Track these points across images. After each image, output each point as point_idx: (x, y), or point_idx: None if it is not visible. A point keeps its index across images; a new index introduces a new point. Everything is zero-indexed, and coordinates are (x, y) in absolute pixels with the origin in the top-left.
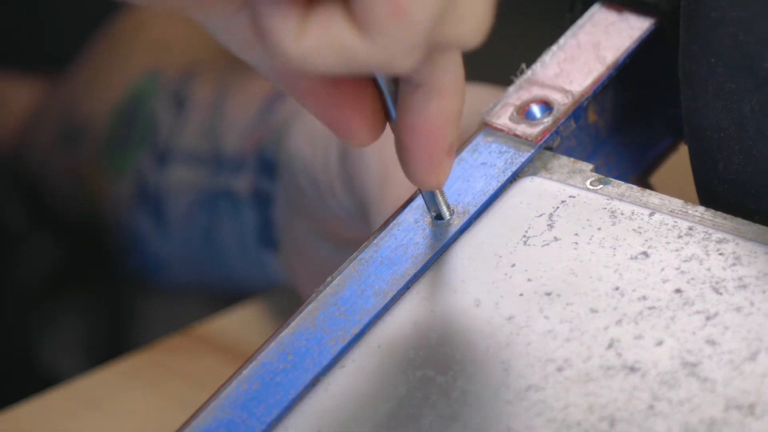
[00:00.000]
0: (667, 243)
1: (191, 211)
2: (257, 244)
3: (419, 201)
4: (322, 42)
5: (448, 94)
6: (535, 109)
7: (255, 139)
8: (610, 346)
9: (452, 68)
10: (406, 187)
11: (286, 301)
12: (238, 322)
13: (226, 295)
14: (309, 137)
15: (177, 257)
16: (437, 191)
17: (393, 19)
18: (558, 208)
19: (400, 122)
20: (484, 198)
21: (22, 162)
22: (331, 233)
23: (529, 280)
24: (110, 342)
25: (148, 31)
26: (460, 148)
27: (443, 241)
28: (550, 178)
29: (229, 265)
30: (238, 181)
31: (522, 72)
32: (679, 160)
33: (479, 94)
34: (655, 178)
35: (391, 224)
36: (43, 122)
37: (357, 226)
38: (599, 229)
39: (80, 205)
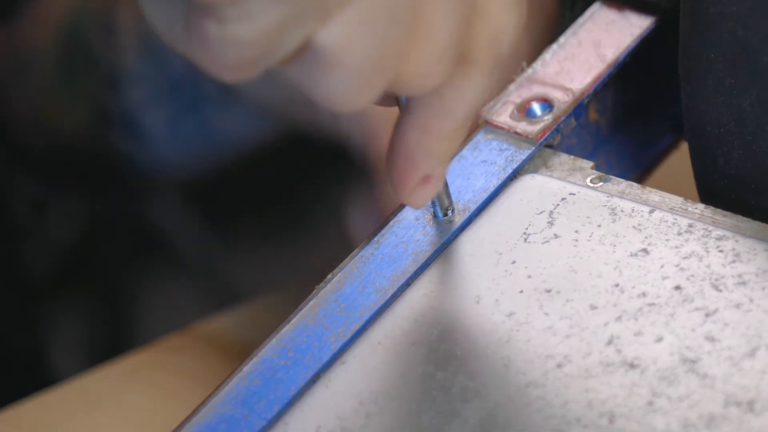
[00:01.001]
0: (667, 240)
1: (162, 102)
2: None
3: None
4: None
5: (434, 134)
6: (536, 107)
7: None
8: (609, 342)
9: (444, 113)
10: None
11: (285, 301)
12: (238, 322)
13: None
14: None
15: (170, 150)
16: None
17: None
18: (558, 205)
19: (392, 132)
20: (485, 195)
21: None
22: None
23: (529, 276)
24: (110, 342)
25: None
26: (460, 146)
27: (444, 239)
28: (550, 176)
29: (221, 113)
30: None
31: (522, 70)
32: (680, 158)
33: None
34: (656, 176)
35: (392, 221)
36: None
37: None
38: (599, 226)
39: (44, 131)
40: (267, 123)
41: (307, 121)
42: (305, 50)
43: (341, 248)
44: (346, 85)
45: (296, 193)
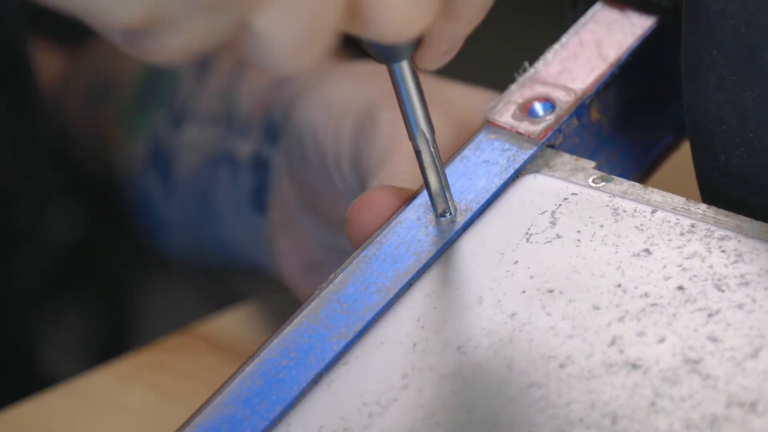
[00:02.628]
0: (670, 240)
1: (194, 172)
2: (250, 207)
3: (422, 198)
4: None
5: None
6: (538, 107)
7: (264, 105)
8: (612, 343)
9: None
10: (407, 167)
11: (285, 301)
12: (238, 322)
13: (218, 270)
14: (324, 107)
15: (176, 220)
16: (442, 189)
17: None
18: (560, 205)
19: None
20: (487, 196)
21: (53, 120)
22: (322, 207)
23: (531, 277)
24: (110, 342)
25: None
26: (462, 146)
27: (446, 239)
28: (552, 176)
29: (222, 229)
30: (242, 144)
31: (525, 70)
32: (682, 158)
33: (479, 97)
34: (658, 176)
35: (394, 221)
36: (73, 82)
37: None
38: (601, 226)
39: (99, 163)
40: None
41: None
42: (244, 33)
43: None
44: (286, 57)
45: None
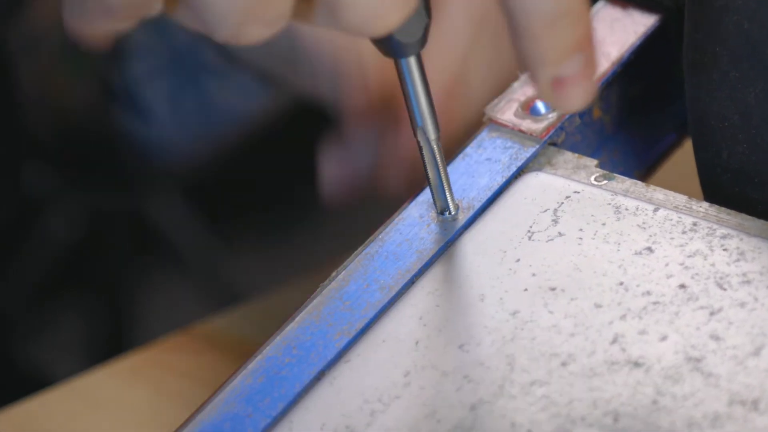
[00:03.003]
0: (672, 238)
1: (165, 91)
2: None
3: (424, 196)
4: None
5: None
6: (540, 105)
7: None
8: (614, 341)
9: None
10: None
11: (285, 301)
12: (238, 322)
13: (229, 138)
14: None
15: (168, 128)
16: (443, 187)
17: None
18: (562, 203)
19: None
20: (489, 193)
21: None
22: None
23: (533, 275)
24: (110, 342)
25: None
26: (464, 144)
27: (448, 237)
28: (554, 174)
29: (222, 84)
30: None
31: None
32: (684, 156)
33: None
34: (660, 174)
35: (396, 219)
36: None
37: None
38: (604, 224)
39: (49, 112)
40: (267, 94)
41: (301, 87)
42: None
43: (342, 246)
44: (226, 22)
45: (296, 190)
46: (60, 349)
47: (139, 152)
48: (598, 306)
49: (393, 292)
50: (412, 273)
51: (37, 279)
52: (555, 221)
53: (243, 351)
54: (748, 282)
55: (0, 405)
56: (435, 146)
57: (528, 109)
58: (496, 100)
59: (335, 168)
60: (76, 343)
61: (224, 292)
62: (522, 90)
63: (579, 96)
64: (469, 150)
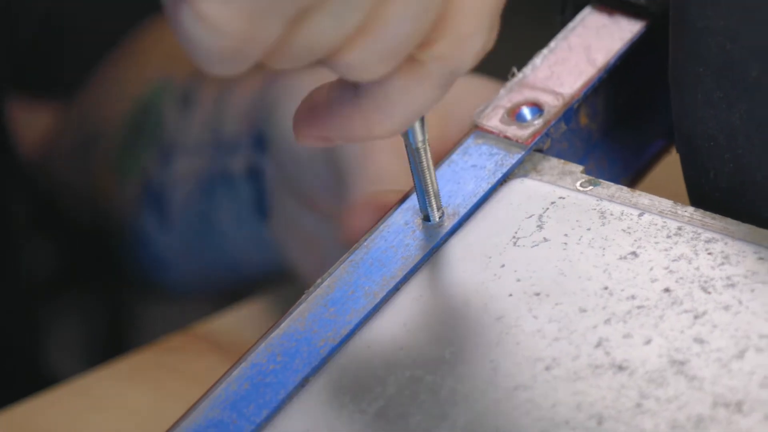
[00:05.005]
0: (656, 243)
1: (191, 199)
2: (253, 216)
3: (409, 203)
4: None
5: (368, 127)
6: (526, 112)
7: (249, 118)
8: (598, 345)
9: (384, 108)
10: (385, 161)
11: (285, 300)
12: (239, 322)
13: (227, 289)
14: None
15: (178, 251)
16: (429, 193)
17: None
18: (548, 209)
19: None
20: (475, 200)
21: (42, 171)
22: (319, 204)
23: (518, 280)
24: (110, 342)
25: (161, 45)
26: (450, 150)
27: (433, 243)
28: (540, 180)
29: (228, 247)
30: (234, 161)
31: (513, 76)
32: (670, 162)
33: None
34: (645, 179)
35: (382, 226)
36: (61, 134)
37: (335, 201)
38: (589, 229)
39: (92, 209)
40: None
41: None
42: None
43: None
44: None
45: None
46: (60, 349)
47: (145, 267)
48: (582, 310)
49: (378, 299)
50: (397, 279)
51: (37, 279)
52: (540, 227)
53: (242, 351)
54: (732, 285)
55: (0, 405)
56: (422, 153)
57: (514, 115)
58: (482, 107)
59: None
60: (76, 343)
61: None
62: (508, 97)
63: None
64: (454, 156)
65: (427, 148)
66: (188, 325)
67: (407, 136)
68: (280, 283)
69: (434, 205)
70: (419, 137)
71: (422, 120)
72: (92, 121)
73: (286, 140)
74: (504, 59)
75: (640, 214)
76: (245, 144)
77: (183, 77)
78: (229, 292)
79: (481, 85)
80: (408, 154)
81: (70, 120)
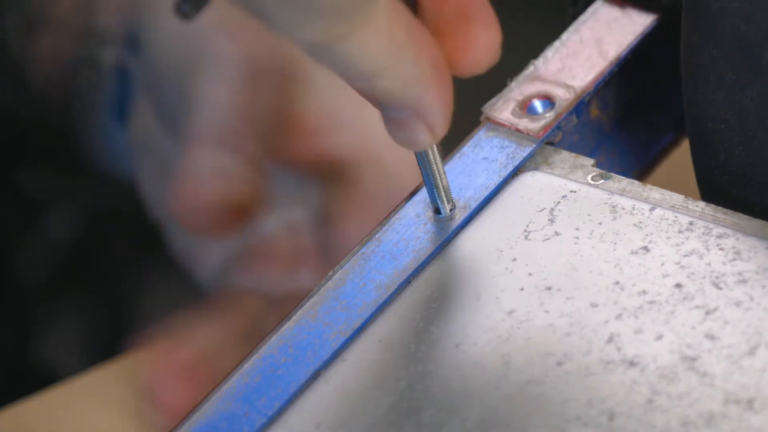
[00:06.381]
0: (668, 238)
1: (54, 77)
2: (113, 116)
3: (421, 195)
4: None
5: None
6: (537, 104)
7: (126, 12)
8: (609, 340)
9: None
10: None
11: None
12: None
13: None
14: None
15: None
16: (439, 187)
17: None
18: (559, 203)
19: None
20: (486, 193)
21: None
22: (178, 129)
23: (529, 274)
24: (110, 342)
25: None
26: (461, 143)
27: (444, 236)
28: (551, 173)
29: (88, 133)
30: (104, 53)
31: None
32: (681, 156)
33: None
34: (656, 174)
35: (393, 219)
36: None
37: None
38: (600, 223)
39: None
40: None
41: None
42: None
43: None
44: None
45: None
46: (60, 348)
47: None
48: (593, 305)
49: (389, 292)
50: (409, 272)
51: (37, 279)
52: (551, 221)
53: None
54: (743, 281)
55: (1, 402)
56: (432, 145)
57: (525, 108)
58: (493, 99)
59: None
60: (76, 342)
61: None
62: (519, 89)
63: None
64: (466, 149)
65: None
66: None
67: None
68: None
69: (444, 199)
70: None
71: None
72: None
73: (161, 51)
74: (515, 51)
75: (652, 209)
76: (117, 38)
77: None
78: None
79: None
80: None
81: None
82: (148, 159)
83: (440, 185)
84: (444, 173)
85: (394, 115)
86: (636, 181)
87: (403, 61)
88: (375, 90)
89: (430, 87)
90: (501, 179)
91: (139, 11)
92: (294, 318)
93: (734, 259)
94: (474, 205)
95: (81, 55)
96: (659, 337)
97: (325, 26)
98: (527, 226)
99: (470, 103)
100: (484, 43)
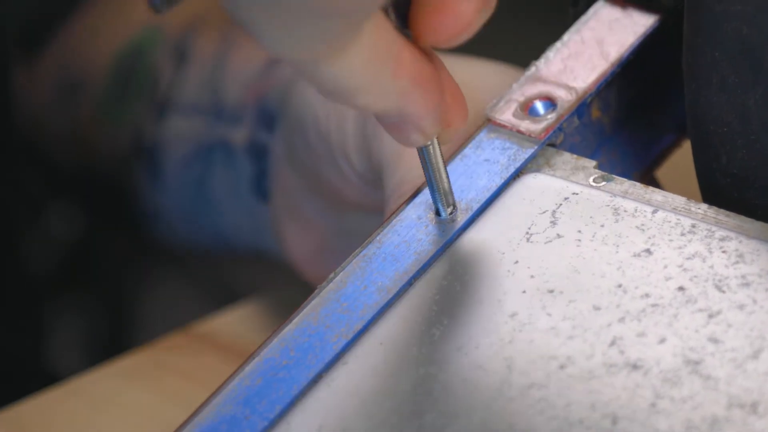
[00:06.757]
0: (670, 240)
1: (185, 162)
2: (250, 194)
3: (422, 197)
4: None
5: None
6: (539, 106)
7: (256, 91)
8: (612, 343)
9: None
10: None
11: (285, 300)
12: (238, 321)
13: (220, 254)
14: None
15: (171, 210)
16: (441, 189)
17: None
18: (561, 205)
19: None
20: (487, 195)
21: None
22: (328, 191)
23: (531, 277)
24: (110, 342)
25: None
26: (463, 145)
27: (446, 238)
28: (553, 175)
29: (221, 218)
30: (236, 132)
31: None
32: (682, 158)
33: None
34: (659, 175)
35: (395, 221)
36: (42, 75)
37: (364, 190)
38: (602, 226)
39: (78, 158)
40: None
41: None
42: None
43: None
44: None
45: None
46: (60, 348)
47: (143, 216)
48: (596, 308)
49: (391, 294)
50: (410, 275)
51: (37, 279)
52: (553, 223)
53: (243, 351)
54: (747, 284)
55: (1, 403)
56: (434, 147)
57: (527, 109)
58: (495, 101)
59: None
60: (76, 342)
61: (224, 291)
62: (521, 90)
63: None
64: (467, 151)
65: (436, 143)
66: (188, 324)
67: None
68: (270, 265)
69: (446, 201)
70: None
71: None
72: (77, 63)
73: (312, 120)
74: (516, 52)
75: (654, 211)
76: (249, 117)
77: (175, 25)
78: (218, 263)
79: (499, 70)
80: (419, 151)
81: (52, 58)
82: (295, 225)
83: (442, 187)
84: (446, 175)
85: (383, 120)
86: (638, 184)
87: (381, 79)
88: (356, 106)
89: (411, 100)
90: (503, 181)
91: (273, 88)
92: (295, 320)
93: (737, 262)
94: (476, 207)
95: (213, 136)
96: (662, 341)
97: (306, 47)
98: (529, 229)
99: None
100: (463, 12)
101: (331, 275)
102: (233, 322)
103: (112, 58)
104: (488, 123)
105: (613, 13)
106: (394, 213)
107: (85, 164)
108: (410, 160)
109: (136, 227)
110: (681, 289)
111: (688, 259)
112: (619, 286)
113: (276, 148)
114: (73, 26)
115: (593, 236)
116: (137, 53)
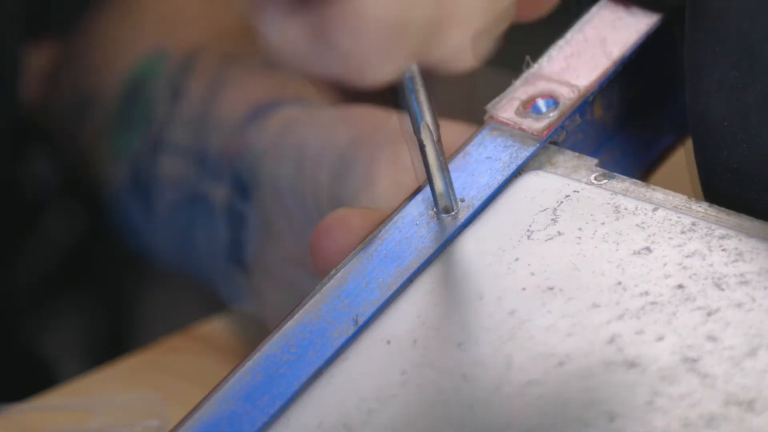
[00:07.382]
0: (670, 238)
1: (174, 206)
2: (227, 260)
3: (424, 194)
4: None
5: None
6: (541, 104)
7: (234, 148)
8: (611, 341)
9: None
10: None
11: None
12: (238, 322)
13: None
14: (298, 160)
15: (159, 244)
16: (441, 186)
17: None
18: (562, 202)
19: None
20: (489, 192)
21: (45, 121)
22: (304, 263)
23: (532, 274)
24: (110, 342)
25: (158, 6)
26: (465, 142)
27: (447, 235)
28: (554, 173)
29: (203, 269)
30: (216, 188)
31: (527, 66)
32: (684, 156)
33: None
34: (659, 174)
35: (396, 217)
36: (58, 87)
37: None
38: (603, 224)
39: (84, 176)
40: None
41: None
42: None
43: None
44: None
45: None
46: (60, 349)
47: (129, 242)
48: (595, 306)
49: (392, 291)
50: (411, 271)
51: (37, 279)
52: (554, 220)
53: (242, 352)
54: (745, 283)
55: (1, 403)
56: (437, 144)
57: (529, 107)
58: (497, 98)
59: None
60: (76, 343)
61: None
62: (523, 88)
63: None
64: (469, 148)
65: (437, 144)
66: (188, 325)
67: (419, 127)
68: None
69: (447, 198)
70: (432, 129)
71: (433, 111)
72: (88, 79)
73: (288, 188)
74: (519, 50)
75: (654, 209)
76: (227, 177)
77: (178, 54)
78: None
79: None
80: (420, 148)
81: (66, 71)
82: (276, 295)
83: (443, 184)
84: (448, 172)
85: None
86: (639, 182)
87: None
88: None
89: None
90: (504, 178)
91: (247, 146)
92: (296, 316)
93: (736, 261)
94: (477, 204)
95: (197, 187)
96: (660, 338)
97: None
98: (530, 226)
99: (474, 102)
100: None
101: (333, 272)
102: (233, 323)
103: (120, 80)
104: (491, 120)
105: (616, 11)
106: (395, 210)
107: (89, 181)
108: (373, 191)
109: (132, 254)
110: (680, 287)
111: (687, 257)
112: (619, 283)
113: (252, 218)
114: (86, 36)
115: (594, 234)
116: (141, 81)
